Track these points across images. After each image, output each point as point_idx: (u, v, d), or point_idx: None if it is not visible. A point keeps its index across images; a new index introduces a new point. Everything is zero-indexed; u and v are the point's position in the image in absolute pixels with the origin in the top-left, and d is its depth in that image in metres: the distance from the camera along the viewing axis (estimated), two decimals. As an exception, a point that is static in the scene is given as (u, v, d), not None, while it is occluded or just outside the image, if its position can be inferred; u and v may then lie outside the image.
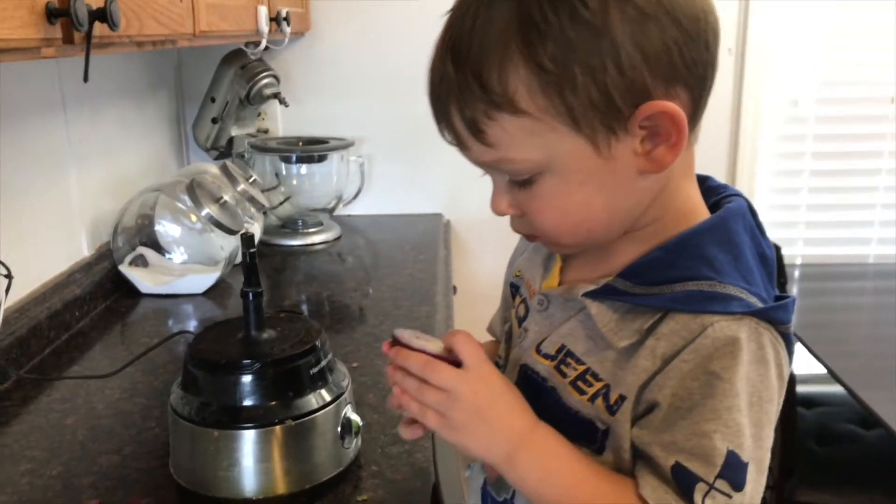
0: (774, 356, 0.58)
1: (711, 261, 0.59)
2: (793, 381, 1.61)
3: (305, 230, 1.86)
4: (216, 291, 1.49)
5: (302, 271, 1.71)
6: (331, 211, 1.92)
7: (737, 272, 0.59)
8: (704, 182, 0.67)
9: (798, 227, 2.22)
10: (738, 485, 0.57)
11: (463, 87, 0.56)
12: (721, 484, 0.56)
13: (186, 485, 0.84)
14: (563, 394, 0.63)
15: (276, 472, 0.82)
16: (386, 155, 2.04)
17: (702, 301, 0.58)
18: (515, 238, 0.78)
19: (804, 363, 1.60)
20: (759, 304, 0.58)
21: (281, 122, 2.01)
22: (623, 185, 0.59)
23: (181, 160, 1.97)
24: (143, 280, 1.46)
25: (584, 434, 0.62)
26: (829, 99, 2.12)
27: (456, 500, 0.83)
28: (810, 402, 1.85)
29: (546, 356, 0.66)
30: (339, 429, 0.86)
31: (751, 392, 0.57)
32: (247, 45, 1.72)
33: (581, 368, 0.63)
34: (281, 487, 0.82)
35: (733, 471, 0.56)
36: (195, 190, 1.44)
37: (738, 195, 0.66)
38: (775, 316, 0.58)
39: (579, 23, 0.53)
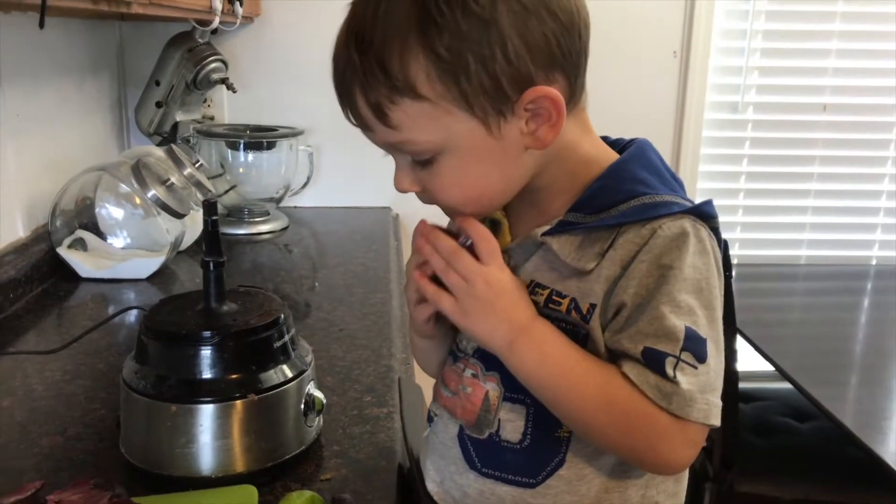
0: (712, 248, 0.66)
1: (644, 181, 0.68)
2: (735, 377, 1.65)
3: (251, 219, 1.82)
4: (160, 277, 1.44)
5: (248, 260, 1.67)
6: (278, 201, 1.88)
7: (665, 187, 0.69)
8: (606, 140, 0.76)
9: (735, 229, 2.28)
10: (700, 356, 0.63)
11: (367, 73, 0.62)
12: (686, 356, 0.63)
13: (139, 463, 0.80)
14: (543, 313, 0.69)
15: (236, 449, 0.79)
16: (334, 147, 2.01)
17: (647, 210, 0.66)
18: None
19: (742, 360, 1.64)
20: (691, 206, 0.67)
21: (227, 109, 1.96)
22: (513, 159, 0.67)
23: (122, 145, 1.90)
24: (82, 263, 1.40)
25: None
26: (766, 104, 2.19)
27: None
28: (747, 396, 1.90)
29: None
30: (302, 405, 0.83)
31: (698, 279, 0.64)
32: (195, 26, 1.67)
33: (546, 292, 0.69)
34: (241, 465, 0.79)
35: (694, 343, 0.63)
36: (141, 171, 1.38)
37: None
38: (707, 211, 0.67)
39: (471, 16, 0.60)
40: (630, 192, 0.67)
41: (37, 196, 1.43)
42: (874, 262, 2.32)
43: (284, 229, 1.84)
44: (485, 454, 0.73)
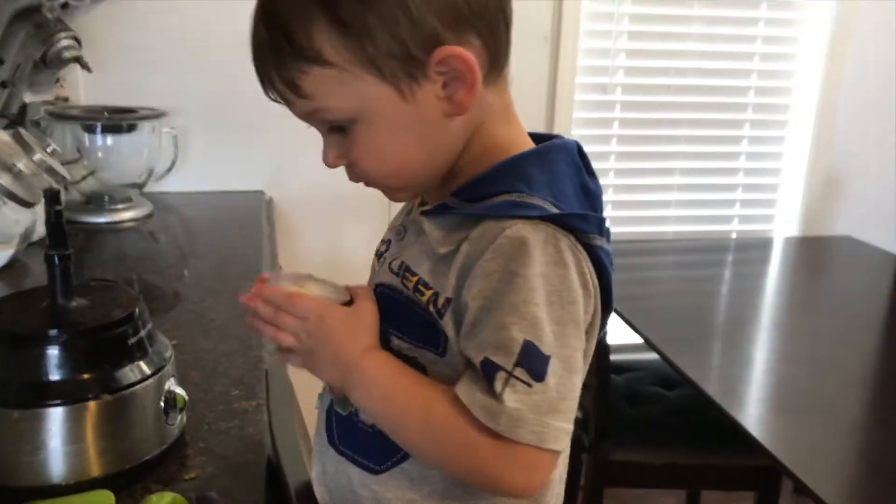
0: (575, 262, 0.62)
1: (528, 178, 0.64)
2: (606, 349, 1.71)
3: (113, 206, 1.71)
4: (10, 271, 1.34)
5: (110, 250, 1.58)
6: (141, 186, 1.78)
7: (548, 190, 0.63)
8: (535, 133, 0.72)
9: (605, 208, 2.35)
10: (537, 375, 0.59)
11: (276, 48, 0.62)
12: (520, 372, 0.59)
13: (-20, 476, 0.74)
14: (415, 301, 0.67)
15: (89, 453, 0.74)
16: (201, 129, 1.93)
17: (507, 208, 0.62)
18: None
19: (614, 333, 1.71)
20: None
21: (83, 90, 1.84)
22: (433, 129, 0.65)
23: (-38, 128, 1.75)
24: (-83, 259, 1.28)
25: (429, 338, 0.66)
26: (633, 86, 2.27)
27: (297, 470, 0.79)
28: (619, 368, 1.97)
29: (393, 272, 0.70)
30: (162, 403, 0.79)
31: (549, 290, 0.60)
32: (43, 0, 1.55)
33: (415, 279, 0.67)
34: (96, 469, 0.74)
35: (531, 360, 0.59)
36: (-18, 157, 1.28)
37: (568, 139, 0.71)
38: (570, 223, 0.62)
39: None
40: (507, 187, 0.63)
41: None
42: (734, 235, 2.46)
43: (149, 216, 1.75)
44: (343, 431, 0.73)
